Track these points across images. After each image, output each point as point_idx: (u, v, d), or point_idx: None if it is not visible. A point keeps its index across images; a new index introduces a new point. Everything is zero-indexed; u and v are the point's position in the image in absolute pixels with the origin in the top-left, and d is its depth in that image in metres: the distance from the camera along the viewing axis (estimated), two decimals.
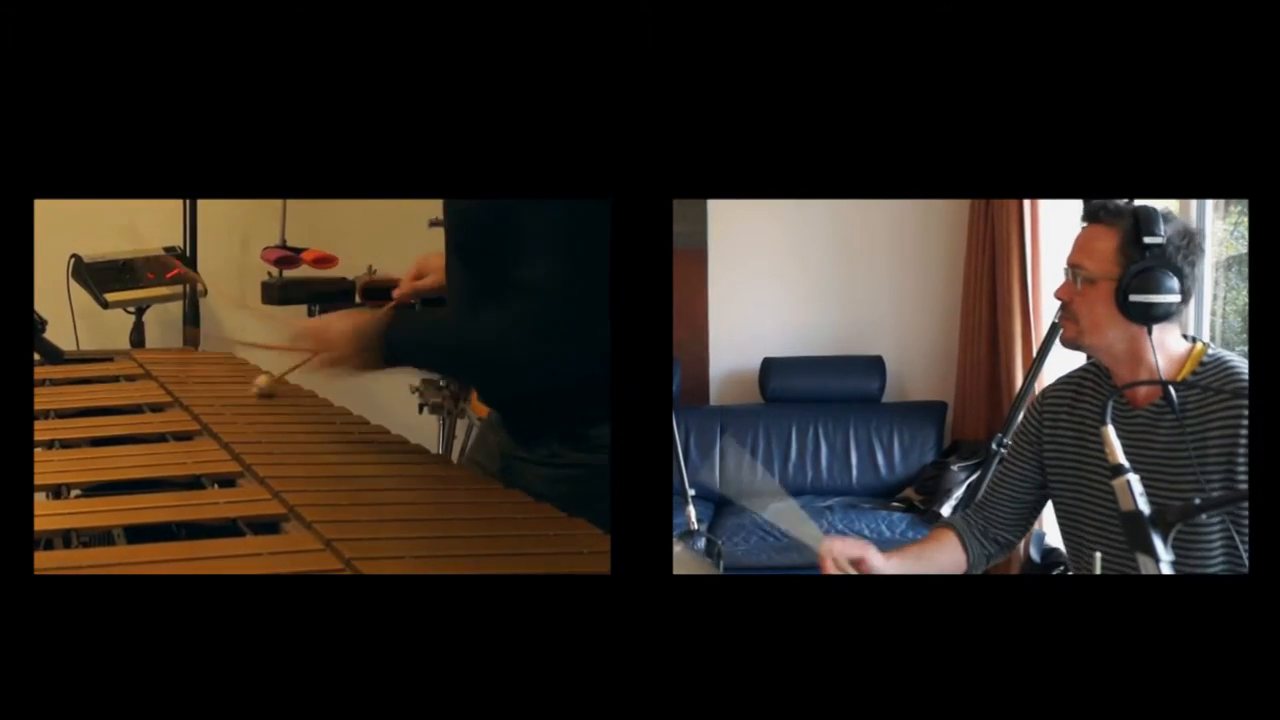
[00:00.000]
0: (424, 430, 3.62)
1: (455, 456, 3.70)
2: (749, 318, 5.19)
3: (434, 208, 3.75)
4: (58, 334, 3.04)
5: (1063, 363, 3.50)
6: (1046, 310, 4.19)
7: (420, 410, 3.78)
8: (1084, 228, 2.00)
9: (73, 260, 3.86)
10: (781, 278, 5.17)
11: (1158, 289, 1.90)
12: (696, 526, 3.15)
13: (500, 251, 1.95)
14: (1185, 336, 1.98)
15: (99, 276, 3.82)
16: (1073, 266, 1.97)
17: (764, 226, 5.05)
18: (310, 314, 3.84)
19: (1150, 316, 1.92)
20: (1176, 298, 1.92)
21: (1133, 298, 1.90)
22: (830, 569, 1.92)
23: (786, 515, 1.99)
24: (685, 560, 2.28)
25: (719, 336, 5.21)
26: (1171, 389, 1.92)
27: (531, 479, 2.00)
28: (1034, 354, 3.96)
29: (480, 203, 1.97)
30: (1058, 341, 3.63)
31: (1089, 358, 2.11)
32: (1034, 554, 3.77)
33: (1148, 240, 1.90)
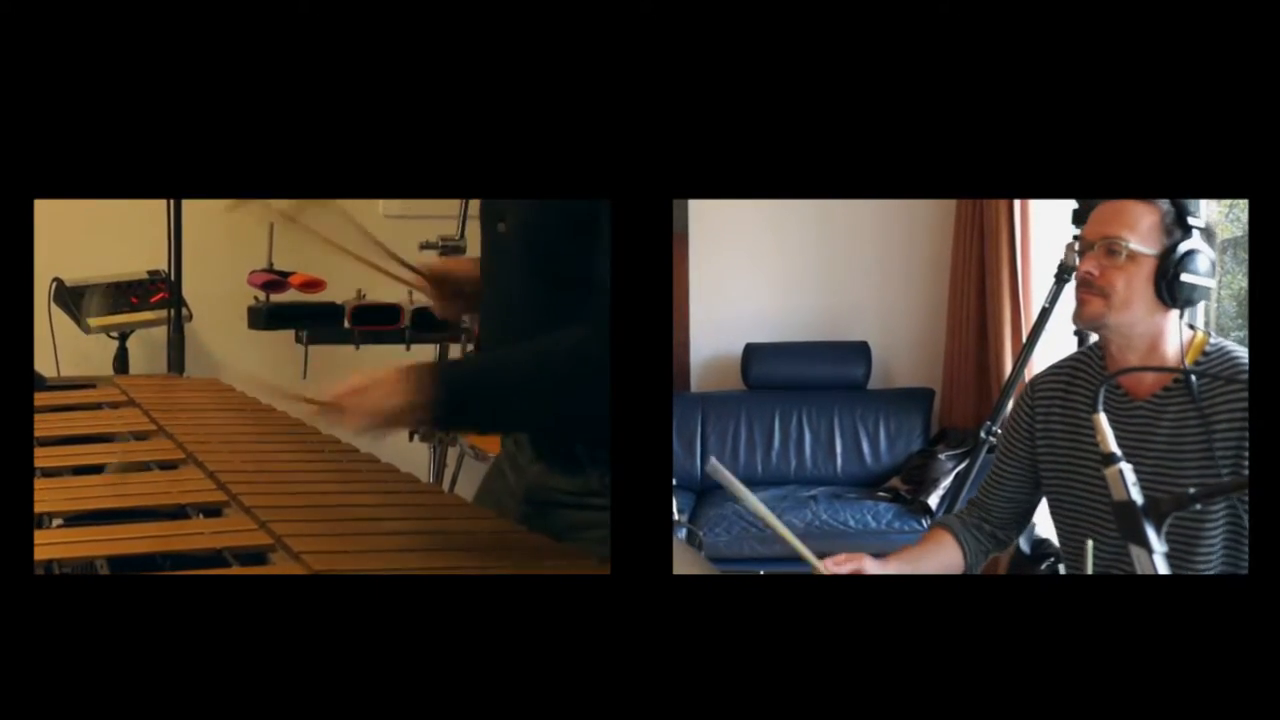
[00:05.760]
0: (415, 458, 3.59)
1: (446, 485, 3.68)
2: (731, 302, 5.16)
3: (426, 229, 3.75)
4: (39, 360, 3.02)
5: (1053, 349, 3.52)
6: (1037, 294, 4.16)
7: (411, 438, 3.75)
8: (1111, 200, 1.93)
9: (54, 284, 3.83)
10: (764, 261, 5.15)
11: (1202, 271, 1.87)
12: (677, 516, 3.14)
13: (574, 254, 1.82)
14: (1188, 325, 1.95)
15: (81, 301, 3.79)
16: (1109, 239, 1.90)
17: (746, 209, 4.99)
18: (298, 340, 3.80)
19: (1189, 300, 1.88)
20: (1213, 282, 1.89)
21: (1183, 278, 1.86)
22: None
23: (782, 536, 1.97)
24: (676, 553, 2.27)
25: (700, 322, 5.18)
26: (1193, 377, 1.88)
27: (561, 525, 1.86)
28: (1024, 339, 3.96)
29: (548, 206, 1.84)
30: (1048, 326, 3.64)
31: (1081, 343, 2.08)
32: (1024, 546, 3.77)
33: (1191, 221, 1.88)
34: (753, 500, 1.86)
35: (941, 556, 2.13)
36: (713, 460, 2.23)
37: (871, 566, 1.94)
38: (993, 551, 2.18)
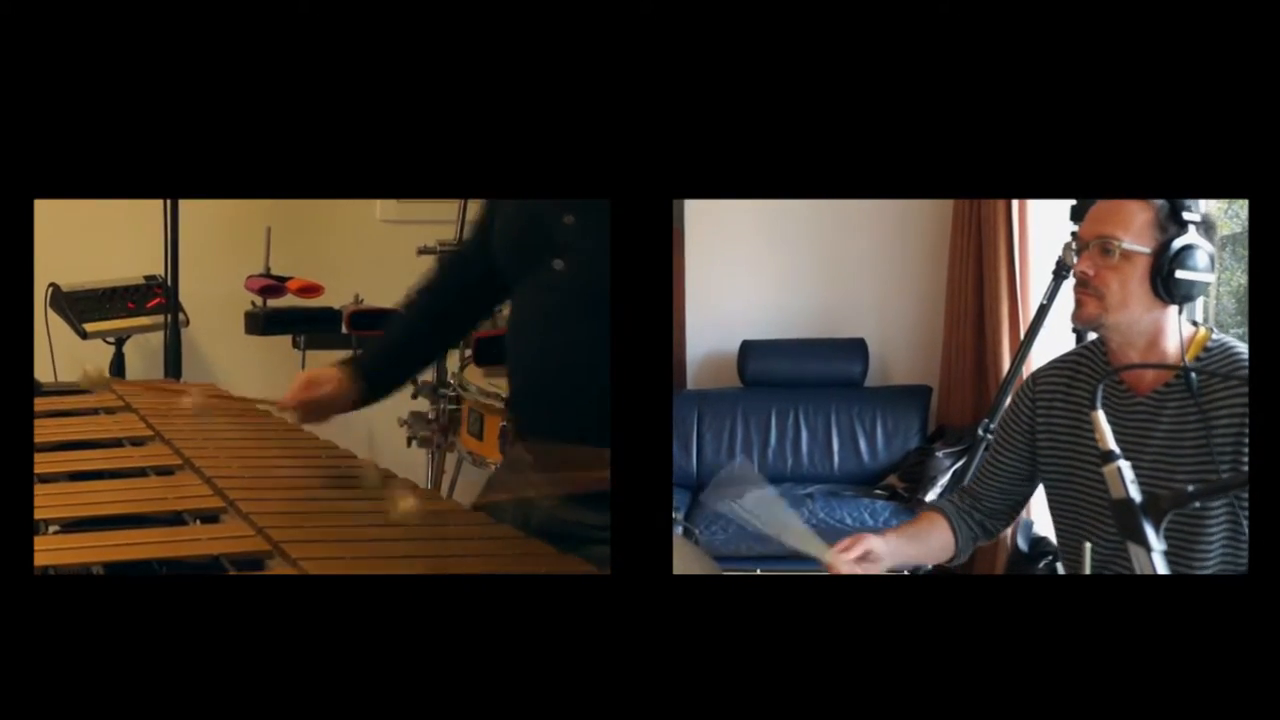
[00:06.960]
0: (412, 464, 3.59)
1: (444, 490, 3.67)
2: (726, 299, 5.12)
3: (423, 233, 3.74)
4: (35, 365, 3.00)
5: (1051, 346, 3.52)
6: (1035, 291, 4.14)
7: (409, 444, 3.74)
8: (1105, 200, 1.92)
9: (50, 289, 3.81)
10: (760, 257, 5.11)
11: (1199, 266, 1.86)
12: (673, 515, 3.12)
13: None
14: (1190, 322, 1.94)
15: (77, 306, 3.78)
16: (1103, 238, 1.89)
17: (742, 206, 4.92)
18: (295, 345, 3.80)
19: (1187, 296, 1.86)
20: (1212, 277, 1.88)
21: (1178, 274, 1.85)
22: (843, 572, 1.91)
23: (791, 533, 1.97)
24: (680, 550, 2.27)
25: (696, 318, 5.12)
26: (1193, 374, 1.87)
27: (597, 559, 1.76)
28: (1021, 336, 3.96)
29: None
30: (1046, 323, 3.64)
31: (1080, 340, 2.08)
32: (1021, 543, 3.77)
33: (1186, 216, 1.86)
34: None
35: (935, 537, 2.14)
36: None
37: (876, 545, 1.94)
38: (980, 540, 2.19)
